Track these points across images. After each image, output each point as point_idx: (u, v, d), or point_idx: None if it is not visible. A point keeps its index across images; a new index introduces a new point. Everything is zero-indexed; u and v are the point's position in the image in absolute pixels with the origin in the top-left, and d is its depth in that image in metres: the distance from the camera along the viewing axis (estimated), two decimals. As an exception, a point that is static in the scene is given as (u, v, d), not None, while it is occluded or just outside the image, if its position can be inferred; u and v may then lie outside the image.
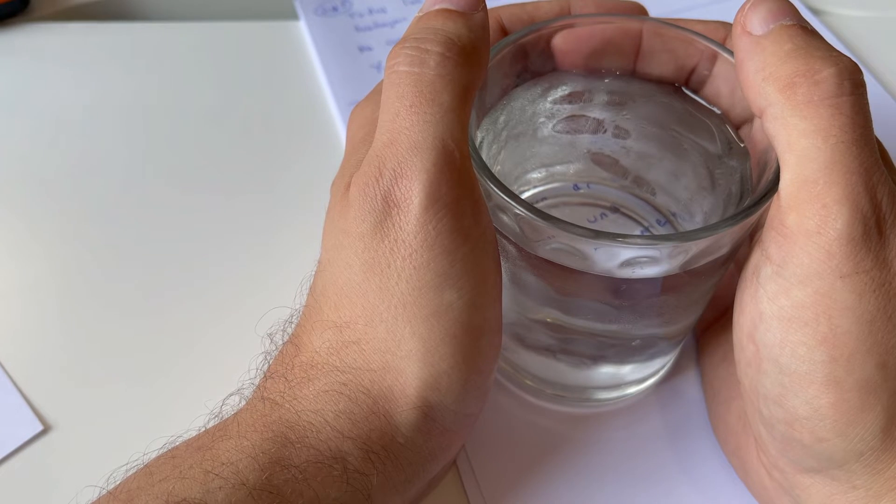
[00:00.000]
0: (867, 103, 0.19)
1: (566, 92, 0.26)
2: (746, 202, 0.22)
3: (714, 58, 0.24)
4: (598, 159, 0.27)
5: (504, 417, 0.28)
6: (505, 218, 0.21)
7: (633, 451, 0.27)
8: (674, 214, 0.26)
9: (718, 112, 0.25)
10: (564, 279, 0.22)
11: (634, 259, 0.21)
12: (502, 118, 0.25)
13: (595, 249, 0.20)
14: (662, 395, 0.29)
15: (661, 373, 0.29)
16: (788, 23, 0.20)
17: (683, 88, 0.25)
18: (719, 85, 0.24)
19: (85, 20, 0.43)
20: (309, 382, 0.21)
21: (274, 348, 0.23)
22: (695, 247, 0.21)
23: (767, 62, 0.20)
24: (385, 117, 0.20)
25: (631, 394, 0.28)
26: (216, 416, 0.22)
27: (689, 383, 0.29)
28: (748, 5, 0.21)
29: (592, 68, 0.26)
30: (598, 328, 0.24)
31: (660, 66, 0.25)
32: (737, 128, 0.25)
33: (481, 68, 0.21)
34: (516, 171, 0.26)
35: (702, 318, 0.28)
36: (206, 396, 0.23)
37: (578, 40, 0.25)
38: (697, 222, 0.25)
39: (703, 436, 0.27)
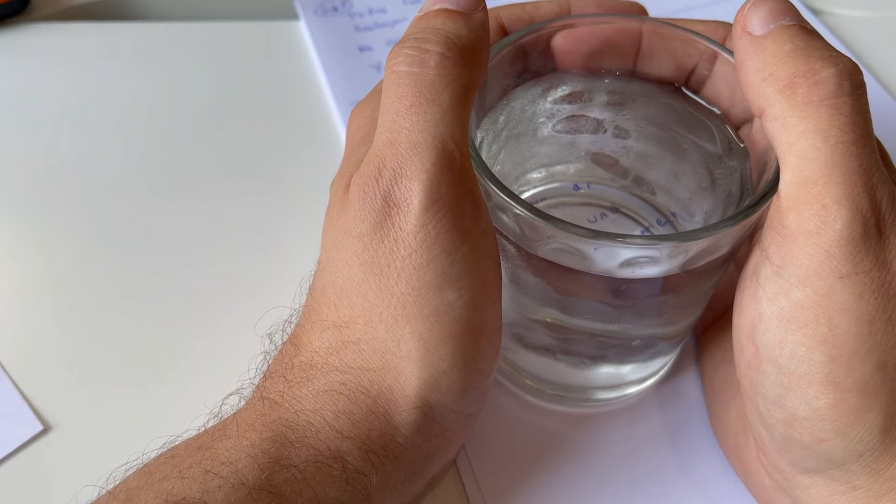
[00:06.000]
0: (867, 103, 0.19)
1: (566, 92, 0.26)
2: (746, 202, 0.22)
3: (714, 58, 0.24)
4: (598, 159, 0.27)
5: (504, 417, 0.28)
6: (505, 218, 0.21)
7: (633, 451, 0.27)
8: (674, 214, 0.26)
9: (718, 112, 0.25)
10: (564, 279, 0.22)
11: (634, 259, 0.21)
12: (502, 118, 0.25)
13: (595, 249, 0.20)
14: (662, 395, 0.29)
15: (661, 373, 0.29)
16: (788, 23, 0.20)
17: (683, 88, 0.25)
18: (719, 85, 0.24)
19: (85, 20, 0.43)
20: (308, 382, 0.21)
21: (273, 348, 0.23)
22: (695, 247, 0.21)
23: (767, 62, 0.19)
24: (385, 117, 0.20)
25: (631, 394, 0.28)
26: (215, 415, 0.22)
27: (689, 383, 0.29)
28: (748, 5, 0.20)
29: (592, 68, 0.26)
30: (598, 328, 0.24)
31: (660, 66, 0.25)
32: (737, 128, 0.25)
33: (481, 68, 0.21)
34: (516, 171, 0.26)
35: (702, 318, 0.28)
36: (205, 396, 0.23)
37: (578, 40, 0.25)
38: (697, 222, 0.25)
39: (703, 436, 0.27)
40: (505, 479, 0.26)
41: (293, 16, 0.43)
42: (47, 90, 0.39)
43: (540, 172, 0.27)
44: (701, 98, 0.25)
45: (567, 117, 0.26)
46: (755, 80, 0.20)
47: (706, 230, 0.20)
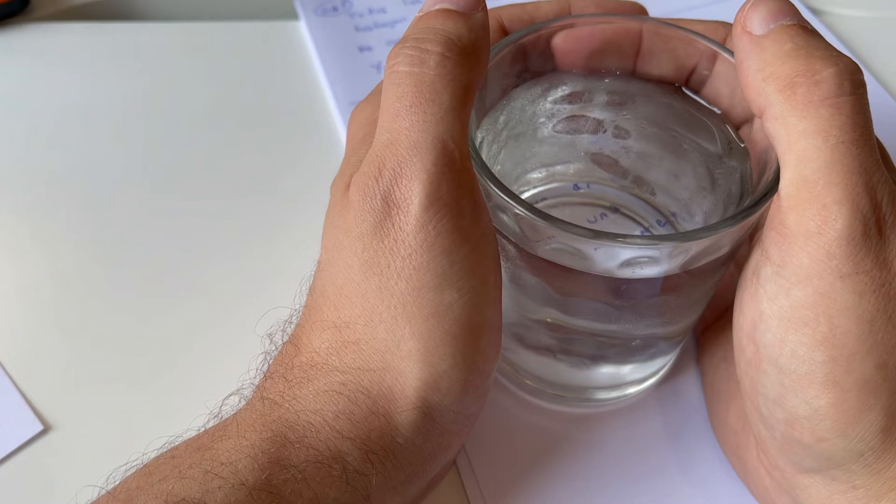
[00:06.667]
0: (867, 103, 0.19)
1: (566, 92, 0.26)
2: (746, 202, 0.22)
3: (714, 58, 0.24)
4: (597, 159, 0.27)
5: (504, 417, 0.28)
6: (505, 218, 0.21)
7: (633, 451, 0.27)
8: (674, 214, 0.26)
9: (718, 112, 0.25)
10: (564, 279, 0.22)
11: (634, 259, 0.21)
12: (502, 118, 0.25)
13: (595, 249, 0.20)
14: (662, 395, 0.29)
15: (661, 373, 0.29)
16: (789, 22, 0.20)
17: (683, 88, 0.25)
18: (719, 85, 0.24)
19: (85, 20, 0.43)
20: (308, 382, 0.21)
21: (273, 348, 0.23)
22: (695, 247, 0.21)
23: (767, 62, 0.20)
24: (385, 117, 0.20)
25: (631, 394, 0.28)
26: (216, 416, 0.22)
27: (689, 383, 0.29)
28: (748, 5, 0.20)
29: (592, 68, 0.26)
30: (598, 328, 0.24)
31: (660, 66, 0.25)
32: (737, 128, 0.25)
33: (481, 68, 0.21)
34: (516, 171, 0.26)
35: (702, 318, 0.28)
36: (205, 396, 0.23)
37: (578, 40, 0.25)
38: (697, 222, 0.25)
39: (703, 436, 0.27)
40: (505, 479, 0.26)
41: (293, 16, 0.43)
42: (47, 90, 0.39)
43: (540, 172, 0.27)
44: (701, 98, 0.25)
45: (567, 117, 0.26)
46: (755, 80, 0.20)
47: (706, 230, 0.20)
